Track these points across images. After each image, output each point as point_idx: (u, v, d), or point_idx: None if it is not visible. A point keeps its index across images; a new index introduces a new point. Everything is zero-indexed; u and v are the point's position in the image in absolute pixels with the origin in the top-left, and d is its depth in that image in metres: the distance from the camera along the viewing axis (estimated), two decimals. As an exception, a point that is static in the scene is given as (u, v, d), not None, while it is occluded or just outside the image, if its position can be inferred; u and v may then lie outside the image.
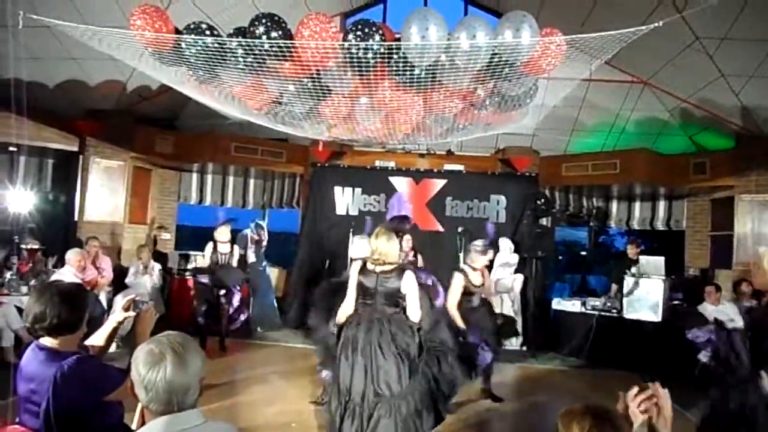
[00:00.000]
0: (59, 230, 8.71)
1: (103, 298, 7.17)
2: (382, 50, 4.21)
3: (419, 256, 6.94)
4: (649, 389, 1.78)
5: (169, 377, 1.60)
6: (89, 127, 8.69)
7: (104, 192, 8.88)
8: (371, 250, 4.03)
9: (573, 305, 8.62)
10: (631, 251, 8.50)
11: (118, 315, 2.73)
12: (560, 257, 15.99)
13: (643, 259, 8.17)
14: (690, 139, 9.22)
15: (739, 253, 8.21)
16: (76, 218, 8.72)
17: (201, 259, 7.88)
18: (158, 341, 1.67)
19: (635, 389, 1.80)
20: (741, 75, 7.28)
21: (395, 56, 4.29)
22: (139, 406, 2.86)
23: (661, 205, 10.19)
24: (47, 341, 2.40)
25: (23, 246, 7.16)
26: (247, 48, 4.18)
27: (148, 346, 1.66)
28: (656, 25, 3.93)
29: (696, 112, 8.48)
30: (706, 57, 7.16)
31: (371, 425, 3.76)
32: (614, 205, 10.61)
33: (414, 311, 3.97)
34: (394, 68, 4.37)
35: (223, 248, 7.66)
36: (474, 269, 5.69)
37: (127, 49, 4.61)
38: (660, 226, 10.18)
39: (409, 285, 3.96)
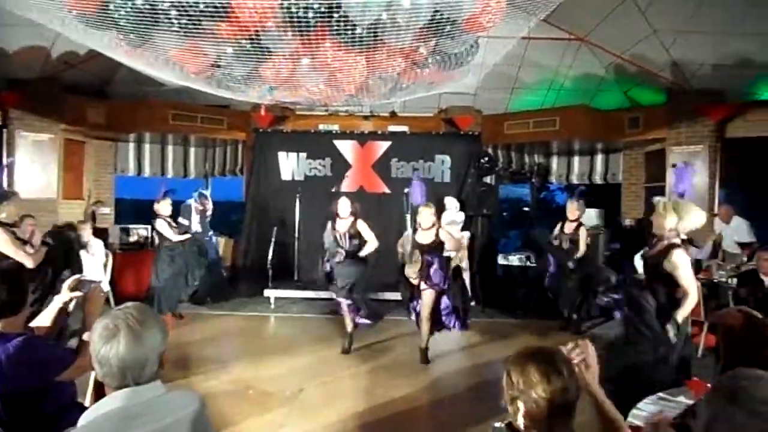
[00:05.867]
0: (-13, 209, 8.23)
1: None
2: (322, 9, 4.11)
3: (359, 222, 6.28)
4: (579, 345, 1.89)
5: (122, 353, 1.57)
6: (12, 98, 8.15)
7: (35, 167, 8.40)
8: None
9: (518, 260, 8.90)
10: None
11: (63, 295, 2.62)
12: (504, 214, 16.40)
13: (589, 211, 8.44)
14: (625, 94, 9.50)
15: (670, 200, 8.60)
16: (5, 195, 8.26)
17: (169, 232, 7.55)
18: (114, 315, 1.64)
19: (570, 344, 1.90)
20: (671, 30, 7.51)
21: (336, 15, 4.20)
22: (91, 384, 2.81)
23: (599, 160, 10.55)
24: (-11, 324, 2.31)
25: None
26: (180, 9, 3.99)
27: (104, 320, 1.63)
28: (592, -20, 3.99)
29: (630, 68, 8.72)
30: (639, 13, 7.33)
31: None
32: (554, 161, 10.90)
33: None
34: (335, 28, 4.28)
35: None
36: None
37: (48, 12, 4.32)
38: (598, 179, 10.56)
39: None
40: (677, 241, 3.71)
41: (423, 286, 5.87)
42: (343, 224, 6.25)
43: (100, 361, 1.58)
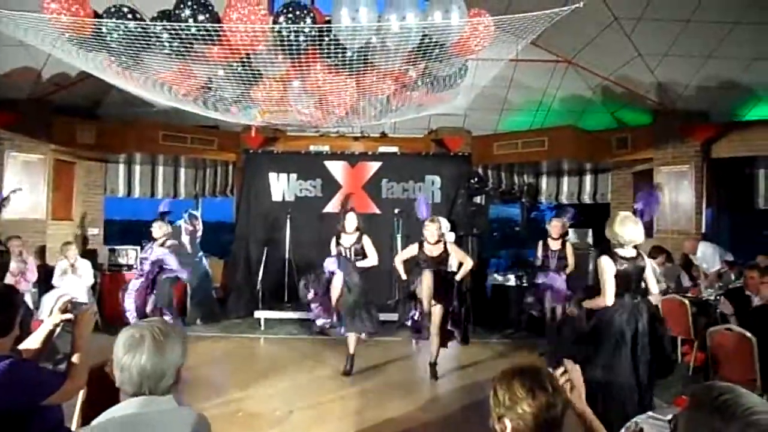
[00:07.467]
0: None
1: (28, 299, 6.82)
2: (312, 33, 4.17)
3: (365, 238, 6.38)
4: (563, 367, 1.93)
5: (143, 362, 1.65)
6: (2, 119, 8.14)
7: (24, 188, 8.36)
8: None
9: (508, 279, 8.92)
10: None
11: (55, 317, 2.59)
12: (495, 234, 16.45)
13: (571, 231, 8.52)
14: (612, 115, 9.64)
15: (659, 221, 8.70)
16: (-7, 216, 8.20)
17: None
18: (140, 326, 1.73)
19: (561, 369, 1.95)
20: (656, 54, 7.67)
21: (326, 39, 4.25)
22: (77, 408, 2.77)
23: (588, 180, 10.66)
24: (-24, 346, 2.27)
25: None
26: (172, 32, 4.03)
27: (130, 329, 1.72)
28: (578, 5, 4.06)
29: (616, 89, 8.86)
30: (624, 37, 7.49)
31: None
32: (544, 181, 11.00)
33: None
34: (326, 51, 4.34)
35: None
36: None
37: (40, 35, 4.34)
38: (587, 199, 10.64)
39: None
40: (619, 249, 4.07)
41: (433, 302, 5.88)
42: (348, 239, 6.32)
43: (121, 368, 1.66)
